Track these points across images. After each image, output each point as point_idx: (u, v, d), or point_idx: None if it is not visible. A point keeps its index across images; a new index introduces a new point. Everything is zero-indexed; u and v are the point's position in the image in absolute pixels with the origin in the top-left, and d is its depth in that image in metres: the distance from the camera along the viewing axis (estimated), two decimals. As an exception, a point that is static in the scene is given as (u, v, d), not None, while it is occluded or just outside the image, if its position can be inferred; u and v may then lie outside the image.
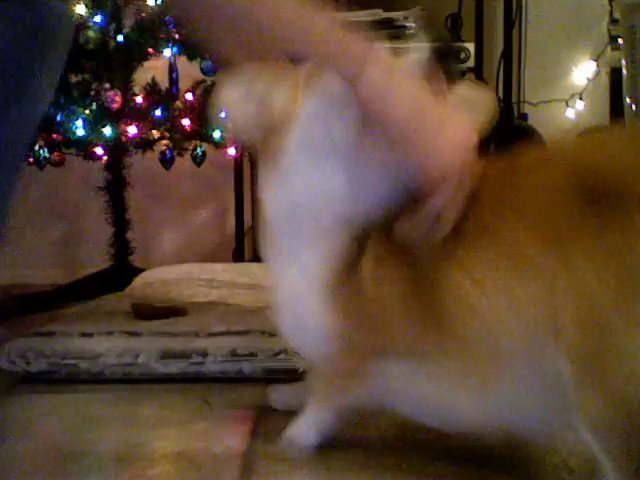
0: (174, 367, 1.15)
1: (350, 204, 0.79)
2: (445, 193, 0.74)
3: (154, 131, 2.01)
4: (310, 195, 0.80)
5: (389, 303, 0.77)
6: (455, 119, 0.77)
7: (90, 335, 1.20)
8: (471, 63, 2.12)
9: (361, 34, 0.78)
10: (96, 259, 2.25)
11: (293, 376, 1.14)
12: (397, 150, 0.76)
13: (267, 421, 0.97)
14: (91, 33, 1.93)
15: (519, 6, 2.39)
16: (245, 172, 2.32)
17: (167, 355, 1.16)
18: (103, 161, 2.10)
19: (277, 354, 1.15)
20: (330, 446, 0.86)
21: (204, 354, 1.16)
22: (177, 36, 2.05)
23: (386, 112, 0.75)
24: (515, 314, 0.69)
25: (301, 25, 0.78)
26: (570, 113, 2.55)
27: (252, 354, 1.15)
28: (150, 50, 2.02)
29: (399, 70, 0.77)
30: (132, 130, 1.94)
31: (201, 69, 2.15)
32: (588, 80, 2.54)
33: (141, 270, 1.96)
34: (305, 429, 0.86)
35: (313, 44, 0.79)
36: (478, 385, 0.73)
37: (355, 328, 0.79)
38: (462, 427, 0.78)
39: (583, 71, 2.55)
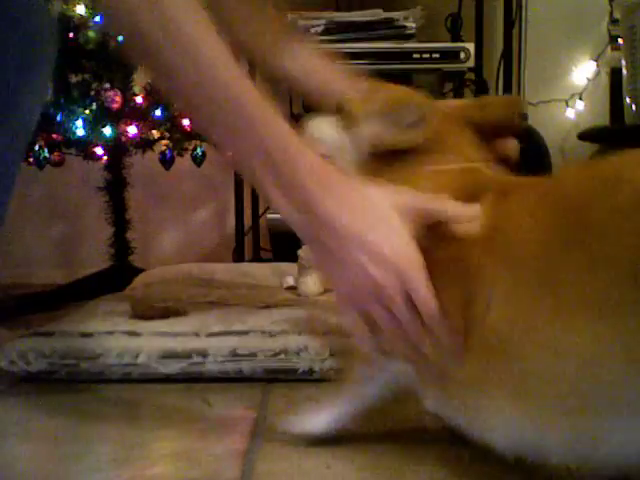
0: (174, 367, 1.15)
1: None
2: None
3: (154, 131, 2.01)
4: None
5: None
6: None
7: (90, 335, 1.20)
8: (471, 63, 2.12)
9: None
10: (96, 259, 2.24)
11: (293, 376, 1.14)
12: None
13: (267, 421, 0.97)
14: (91, 33, 1.93)
15: (519, 6, 2.39)
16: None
17: (167, 355, 1.16)
18: (103, 161, 2.10)
19: (277, 354, 1.15)
20: (331, 445, 0.86)
21: (204, 354, 1.16)
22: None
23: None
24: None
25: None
26: (570, 113, 2.55)
27: (252, 354, 1.15)
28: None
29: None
30: (132, 130, 1.94)
31: (201, 69, 2.14)
32: (588, 80, 2.54)
33: (141, 270, 1.96)
34: (315, 416, 0.88)
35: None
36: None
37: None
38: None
39: (583, 71, 2.55)
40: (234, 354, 1.15)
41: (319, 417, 0.88)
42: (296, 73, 1.07)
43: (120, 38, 1.93)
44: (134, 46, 0.78)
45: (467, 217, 0.74)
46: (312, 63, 1.09)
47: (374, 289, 0.73)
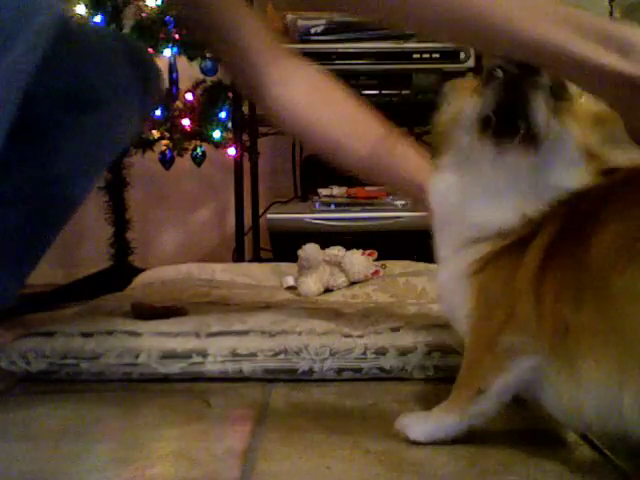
0: (174, 367, 1.15)
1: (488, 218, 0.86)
2: None
3: (154, 131, 2.02)
4: (452, 206, 0.89)
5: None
6: None
7: (90, 335, 1.20)
8: (471, 63, 2.12)
9: None
10: (96, 259, 2.25)
11: (293, 376, 1.14)
12: None
13: (267, 421, 0.97)
14: (91, 33, 1.93)
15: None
16: (245, 172, 2.32)
17: (167, 355, 1.16)
18: (103, 161, 2.09)
19: (277, 354, 1.15)
20: (331, 445, 0.87)
21: (204, 354, 1.16)
22: (177, 36, 2.05)
23: None
24: None
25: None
26: (570, 113, 2.54)
27: (252, 354, 1.16)
28: (150, 50, 2.03)
29: None
30: (132, 130, 1.94)
31: (201, 69, 2.15)
32: (588, 80, 2.54)
33: (141, 270, 1.96)
34: (421, 425, 0.87)
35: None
36: None
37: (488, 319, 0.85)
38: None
39: (583, 71, 2.55)
40: (234, 354, 1.15)
41: (426, 426, 0.87)
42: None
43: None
44: None
45: None
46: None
47: None
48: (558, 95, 0.83)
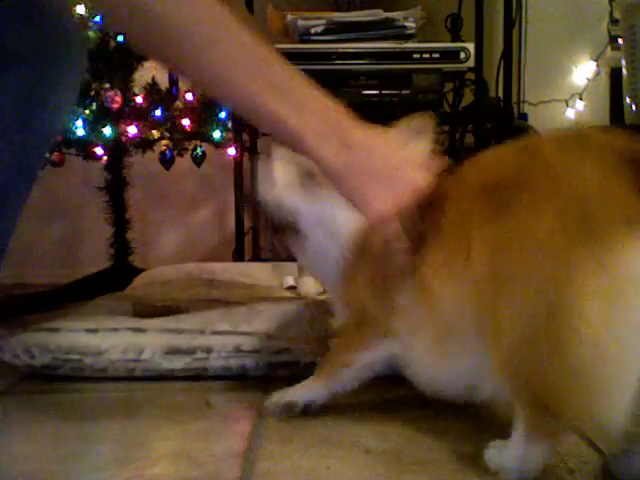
0: (178, 363, 1.15)
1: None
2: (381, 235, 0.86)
3: (154, 131, 2.01)
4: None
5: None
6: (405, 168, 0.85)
7: (95, 331, 1.20)
8: (471, 63, 2.12)
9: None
10: (96, 259, 2.25)
11: (296, 367, 1.14)
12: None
13: (267, 421, 0.97)
14: (91, 33, 1.93)
15: (519, 6, 2.38)
16: (245, 172, 2.32)
17: (171, 351, 1.16)
18: (103, 161, 2.10)
19: (279, 352, 1.15)
20: (331, 445, 0.87)
21: (208, 350, 1.16)
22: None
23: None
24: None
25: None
26: (570, 113, 2.55)
27: (255, 350, 1.16)
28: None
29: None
30: (132, 130, 1.94)
31: (201, 69, 2.14)
32: (588, 80, 2.54)
33: (141, 270, 1.96)
34: (294, 396, 0.97)
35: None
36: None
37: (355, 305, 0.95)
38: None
39: (583, 71, 2.55)
40: (238, 350, 1.16)
41: (298, 391, 0.97)
42: None
43: (120, 38, 1.95)
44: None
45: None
46: None
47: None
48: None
